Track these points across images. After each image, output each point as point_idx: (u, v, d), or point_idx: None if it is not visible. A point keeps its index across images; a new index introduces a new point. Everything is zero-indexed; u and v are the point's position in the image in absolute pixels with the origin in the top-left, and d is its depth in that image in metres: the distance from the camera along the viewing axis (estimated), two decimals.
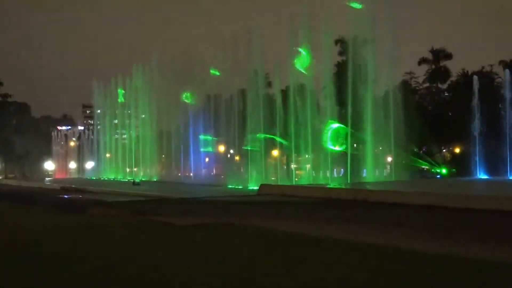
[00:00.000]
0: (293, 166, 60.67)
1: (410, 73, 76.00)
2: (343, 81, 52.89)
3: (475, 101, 54.13)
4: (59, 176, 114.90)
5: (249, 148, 56.85)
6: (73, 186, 63.88)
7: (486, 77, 66.66)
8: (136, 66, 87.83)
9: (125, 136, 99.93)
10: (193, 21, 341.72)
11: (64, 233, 18.16)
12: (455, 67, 75.26)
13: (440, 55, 74.32)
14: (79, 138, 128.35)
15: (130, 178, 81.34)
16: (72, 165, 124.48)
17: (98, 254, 13.61)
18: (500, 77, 66.37)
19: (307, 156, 55.68)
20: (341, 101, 54.51)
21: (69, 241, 16.12)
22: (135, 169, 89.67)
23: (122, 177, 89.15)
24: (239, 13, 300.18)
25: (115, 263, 12.32)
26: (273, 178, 57.66)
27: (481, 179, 50.96)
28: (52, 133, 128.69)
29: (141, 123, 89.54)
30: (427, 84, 76.50)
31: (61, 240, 16.40)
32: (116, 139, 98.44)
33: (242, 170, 63.17)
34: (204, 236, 16.75)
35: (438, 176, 61.36)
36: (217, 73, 64.30)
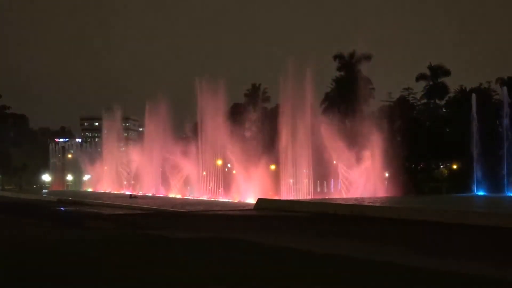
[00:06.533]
0: (290, 180, 60.58)
1: (408, 89, 76.22)
2: (341, 96, 53.13)
3: (473, 117, 54.16)
4: (56, 188, 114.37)
5: None
6: (70, 198, 63.61)
7: (484, 94, 66.79)
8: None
9: (123, 149, 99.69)
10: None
11: (63, 248, 18.09)
12: (453, 83, 75.51)
13: (438, 71, 74.56)
14: (76, 151, 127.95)
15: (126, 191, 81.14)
16: (69, 177, 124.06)
17: (97, 271, 13.56)
18: (498, 94, 66.55)
19: (304, 171, 55.60)
20: (339, 116, 54.66)
21: (69, 259, 16.01)
22: (133, 182, 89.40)
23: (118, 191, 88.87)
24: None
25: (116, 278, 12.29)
26: (270, 192, 57.53)
27: (478, 195, 50.90)
28: (50, 145, 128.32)
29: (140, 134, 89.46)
30: (425, 100, 76.70)
31: (62, 259, 16.31)
32: (114, 152, 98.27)
33: (239, 183, 63.03)
34: (203, 251, 16.73)
35: (436, 192, 61.20)
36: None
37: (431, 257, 16.16)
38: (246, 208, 42.97)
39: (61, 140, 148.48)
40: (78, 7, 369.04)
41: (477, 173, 53.33)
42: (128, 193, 74.38)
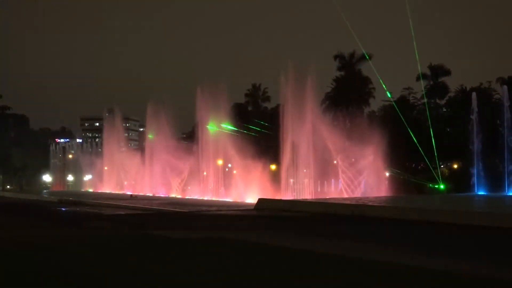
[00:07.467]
0: (291, 180, 60.58)
1: (408, 88, 76.34)
2: (342, 95, 53.15)
3: (474, 117, 54.12)
4: (56, 188, 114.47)
5: None
6: (70, 199, 63.57)
7: (484, 93, 66.81)
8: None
9: (123, 150, 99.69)
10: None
11: (63, 248, 18.10)
12: (453, 83, 75.63)
13: (438, 71, 74.66)
14: (77, 151, 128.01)
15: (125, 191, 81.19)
16: (70, 177, 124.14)
17: (97, 271, 13.57)
18: (498, 94, 66.58)
19: (305, 170, 55.59)
20: (339, 116, 54.66)
21: (69, 259, 16.03)
22: (133, 182, 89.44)
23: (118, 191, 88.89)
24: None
25: (116, 278, 12.31)
26: (270, 193, 57.49)
27: (478, 195, 50.87)
28: (50, 146, 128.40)
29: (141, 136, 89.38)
30: (425, 100, 76.76)
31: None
32: (115, 152, 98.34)
33: (240, 184, 63.06)
34: (204, 251, 16.76)
35: (436, 191, 61.18)
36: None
37: (431, 257, 16.16)
38: (246, 208, 42.95)
39: (62, 140, 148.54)
40: (78, 7, 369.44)
41: (478, 172, 53.30)
42: (128, 193, 74.43)
